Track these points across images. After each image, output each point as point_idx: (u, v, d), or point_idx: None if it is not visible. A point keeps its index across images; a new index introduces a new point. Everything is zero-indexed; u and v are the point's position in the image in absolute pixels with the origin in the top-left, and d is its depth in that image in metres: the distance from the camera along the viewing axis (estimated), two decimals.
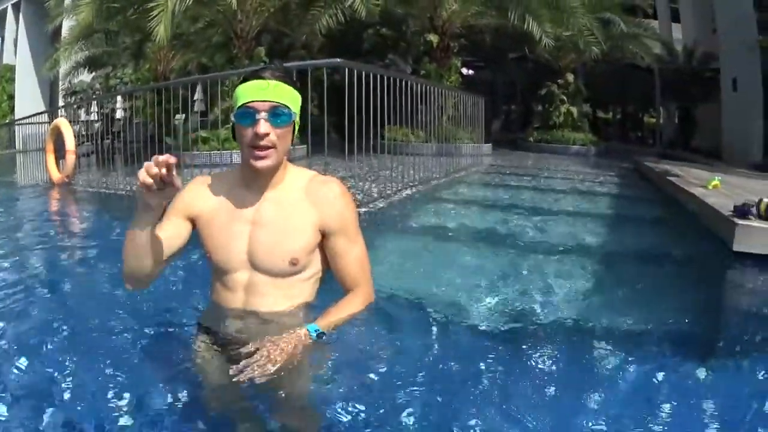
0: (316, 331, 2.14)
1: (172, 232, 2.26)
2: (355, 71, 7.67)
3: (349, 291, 2.41)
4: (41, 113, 20.93)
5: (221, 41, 18.27)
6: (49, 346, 2.88)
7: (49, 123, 17.92)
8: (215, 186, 2.37)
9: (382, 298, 3.49)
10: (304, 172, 2.41)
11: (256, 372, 1.93)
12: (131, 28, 19.30)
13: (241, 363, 1.96)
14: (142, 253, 2.07)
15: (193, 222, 2.35)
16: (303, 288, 2.35)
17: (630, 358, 2.85)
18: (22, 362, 2.68)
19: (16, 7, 58.20)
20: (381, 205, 7.67)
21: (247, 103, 2.13)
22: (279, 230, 2.25)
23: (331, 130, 8.24)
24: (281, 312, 2.31)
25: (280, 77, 2.16)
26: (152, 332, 2.94)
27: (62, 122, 13.34)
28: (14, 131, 32.91)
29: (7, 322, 3.38)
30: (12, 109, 52.38)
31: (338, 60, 7.93)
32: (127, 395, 2.26)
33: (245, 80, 2.20)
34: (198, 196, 2.35)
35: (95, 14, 15.04)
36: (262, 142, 2.13)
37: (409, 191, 8.92)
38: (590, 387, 2.54)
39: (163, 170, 1.82)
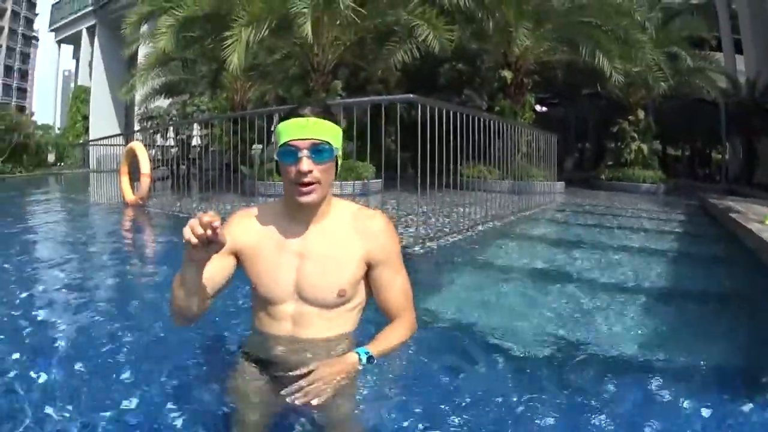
0: (366, 354, 2.19)
1: (218, 268, 2.27)
2: (428, 107, 7.65)
3: (393, 320, 2.45)
4: (116, 135, 21.46)
5: (298, 73, 18.48)
6: (109, 358, 3.10)
7: (124, 145, 18.44)
8: (260, 218, 2.40)
9: (448, 327, 3.82)
10: (349, 204, 2.45)
11: (311, 396, 1.98)
12: (208, 57, 19.74)
13: (294, 386, 2.01)
14: (190, 300, 2.12)
15: (238, 256, 2.38)
16: (348, 318, 2.38)
17: (684, 395, 2.86)
18: (79, 371, 2.89)
19: (91, 31, 60.22)
20: (453, 240, 7.68)
21: (289, 141, 2.17)
22: (326, 262, 2.29)
23: (408, 166, 8.27)
24: (328, 340, 2.34)
25: (319, 114, 2.20)
26: (206, 353, 3.11)
27: (137, 146, 13.67)
28: (88, 151, 33.87)
29: (66, 331, 3.65)
30: (86, 130, 53.98)
31: (411, 96, 7.88)
32: (172, 413, 2.39)
33: (286, 118, 2.23)
34: (243, 230, 2.37)
35: (173, 42, 15.31)
36: (306, 179, 2.17)
37: (481, 227, 8.89)
38: (649, 422, 2.55)
39: (209, 231, 1.82)
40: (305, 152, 2.15)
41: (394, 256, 2.40)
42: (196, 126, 19.46)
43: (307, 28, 13.01)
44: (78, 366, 2.95)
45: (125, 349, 3.23)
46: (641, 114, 23.09)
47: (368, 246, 2.32)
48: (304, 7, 13.08)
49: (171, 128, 19.41)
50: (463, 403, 2.58)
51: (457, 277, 5.96)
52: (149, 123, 31.93)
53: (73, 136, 53.51)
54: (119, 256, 6.99)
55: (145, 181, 12.74)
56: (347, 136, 12.21)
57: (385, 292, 2.41)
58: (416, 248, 6.86)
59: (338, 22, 14.88)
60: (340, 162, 2.31)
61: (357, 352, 2.17)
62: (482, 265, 6.71)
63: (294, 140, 2.16)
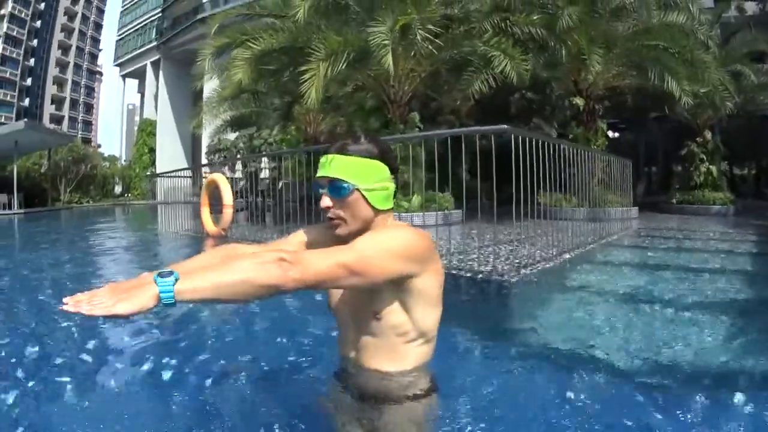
0: (165, 278, 1.71)
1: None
2: (519, 137, 7.80)
3: None
4: (185, 169, 21.99)
5: (375, 105, 18.65)
6: (220, 378, 3.47)
7: (191, 178, 18.93)
8: (329, 239, 2.35)
9: (548, 347, 4.15)
10: (399, 225, 2.37)
11: (88, 308, 1.64)
12: (281, 90, 20.14)
13: (82, 294, 1.70)
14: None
15: None
16: (406, 350, 2.31)
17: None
18: (174, 390, 3.19)
19: (155, 65, 62.02)
20: (544, 267, 7.85)
21: (316, 177, 2.27)
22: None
23: (483, 196, 8.40)
24: (385, 371, 2.33)
25: (346, 150, 2.23)
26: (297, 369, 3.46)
27: (220, 177, 13.99)
28: (155, 183, 34.75)
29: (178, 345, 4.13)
30: (153, 162, 55.44)
31: (505, 126, 7.97)
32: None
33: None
34: (315, 244, 2.39)
35: (250, 75, 15.62)
36: (328, 214, 2.24)
37: (569, 255, 9.04)
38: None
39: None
40: (324, 190, 2.24)
41: (368, 234, 2.18)
42: (264, 159, 19.75)
43: (389, 60, 13.17)
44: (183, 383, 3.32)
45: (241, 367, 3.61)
46: (709, 135, 22.91)
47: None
48: (385, 40, 13.31)
49: (239, 161, 19.76)
50: (560, 414, 2.86)
51: (557, 301, 6.36)
52: (216, 156, 32.54)
53: (140, 168, 54.86)
54: None
55: (227, 213, 13.03)
56: (424, 167, 12.43)
57: None
58: (512, 275, 7.07)
59: (413, 54, 15.05)
60: (376, 192, 2.26)
61: (159, 291, 1.69)
62: (576, 289, 6.97)
63: (318, 177, 2.26)
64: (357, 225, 2.25)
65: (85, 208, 33.79)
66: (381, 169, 2.27)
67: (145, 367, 3.73)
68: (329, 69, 13.92)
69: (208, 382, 3.42)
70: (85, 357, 3.95)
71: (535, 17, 16.61)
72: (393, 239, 2.14)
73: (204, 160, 34.06)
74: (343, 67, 14.31)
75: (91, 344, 4.27)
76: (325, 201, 2.22)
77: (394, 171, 2.34)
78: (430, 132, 10.51)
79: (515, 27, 15.86)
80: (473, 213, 8.08)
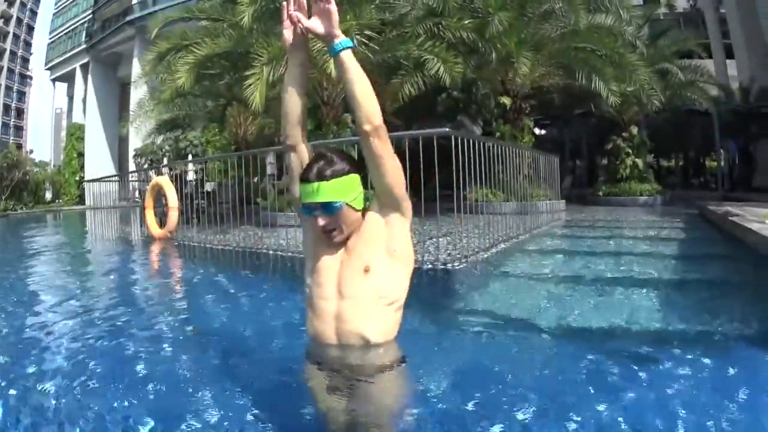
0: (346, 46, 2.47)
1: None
2: (460, 138, 8.36)
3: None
4: (115, 175, 21.71)
5: (308, 107, 18.58)
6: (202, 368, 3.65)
7: (120, 182, 18.91)
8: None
9: (490, 326, 4.56)
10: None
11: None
12: (215, 94, 20.34)
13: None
14: (295, 87, 2.69)
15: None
16: (385, 314, 2.64)
17: (703, 356, 3.60)
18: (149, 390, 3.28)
19: (84, 68, 60.86)
20: (483, 256, 8.43)
21: (305, 203, 2.62)
22: (357, 247, 2.64)
23: (412, 194, 8.81)
24: (369, 342, 2.62)
25: (326, 177, 2.55)
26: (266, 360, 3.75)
27: (164, 181, 14.10)
28: (84, 188, 34.12)
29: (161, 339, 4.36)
30: (82, 166, 54.36)
31: (446, 129, 8.57)
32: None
33: (301, 179, 2.63)
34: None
35: (192, 79, 15.63)
36: (326, 229, 2.60)
37: (503, 245, 9.63)
38: (672, 380, 3.20)
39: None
40: (318, 211, 2.58)
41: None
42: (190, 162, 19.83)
43: (332, 66, 13.34)
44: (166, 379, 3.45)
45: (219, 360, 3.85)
46: (634, 130, 23.62)
47: (382, 207, 2.66)
48: None
49: (170, 164, 19.71)
50: (511, 383, 3.22)
51: (491, 286, 6.88)
52: (143, 159, 32.12)
53: (69, 173, 53.76)
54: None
55: (173, 215, 13.19)
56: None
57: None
58: (456, 264, 7.62)
59: None
60: (357, 198, 2.64)
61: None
62: (515, 273, 7.61)
63: (307, 203, 2.60)
64: (352, 225, 2.65)
65: (20, 216, 33.12)
66: (356, 179, 2.64)
67: (115, 349, 4.06)
68: (272, 73, 14.10)
69: (183, 364, 3.74)
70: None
71: (466, 22, 16.98)
72: None
73: (131, 164, 33.52)
74: (284, 71, 14.28)
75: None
76: (321, 221, 2.58)
77: (362, 173, 2.69)
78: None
79: (447, 31, 16.17)
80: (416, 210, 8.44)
